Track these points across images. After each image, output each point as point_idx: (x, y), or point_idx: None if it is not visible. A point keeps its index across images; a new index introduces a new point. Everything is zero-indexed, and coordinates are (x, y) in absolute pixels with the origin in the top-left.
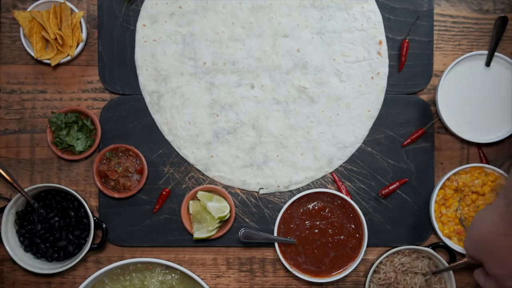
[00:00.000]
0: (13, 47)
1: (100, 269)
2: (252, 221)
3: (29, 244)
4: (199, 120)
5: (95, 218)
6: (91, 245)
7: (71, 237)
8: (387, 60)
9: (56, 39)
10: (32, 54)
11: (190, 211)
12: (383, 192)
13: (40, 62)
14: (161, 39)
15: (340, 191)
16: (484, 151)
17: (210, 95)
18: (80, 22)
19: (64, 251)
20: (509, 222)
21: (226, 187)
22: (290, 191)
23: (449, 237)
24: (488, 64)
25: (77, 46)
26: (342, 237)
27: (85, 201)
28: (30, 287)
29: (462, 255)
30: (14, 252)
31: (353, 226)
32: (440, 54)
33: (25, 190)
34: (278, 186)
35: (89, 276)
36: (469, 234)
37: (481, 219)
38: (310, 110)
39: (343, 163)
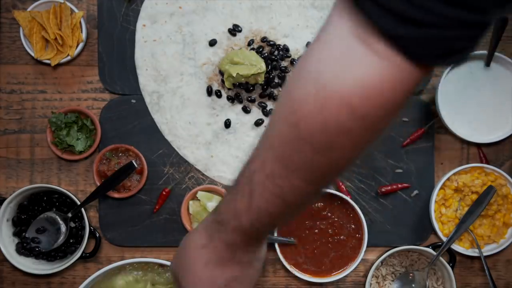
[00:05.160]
0: (13, 47)
1: (100, 269)
2: None
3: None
4: (199, 120)
5: (91, 228)
6: (85, 248)
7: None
8: None
9: (56, 39)
10: (32, 54)
11: (190, 211)
12: (382, 189)
13: (40, 62)
14: (161, 39)
15: (340, 191)
16: (484, 151)
17: (210, 95)
18: (80, 22)
19: (58, 252)
20: (210, 233)
21: (226, 187)
22: None
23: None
24: (488, 64)
25: (77, 46)
26: (342, 237)
27: (83, 205)
28: (30, 287)
29: (462, 255)
30: (9, 254)
31: (353, 226)
32: None
33: (21, 190)
34: None
35: (89, 276)
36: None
37: (191, 232)
38: None
39: None
